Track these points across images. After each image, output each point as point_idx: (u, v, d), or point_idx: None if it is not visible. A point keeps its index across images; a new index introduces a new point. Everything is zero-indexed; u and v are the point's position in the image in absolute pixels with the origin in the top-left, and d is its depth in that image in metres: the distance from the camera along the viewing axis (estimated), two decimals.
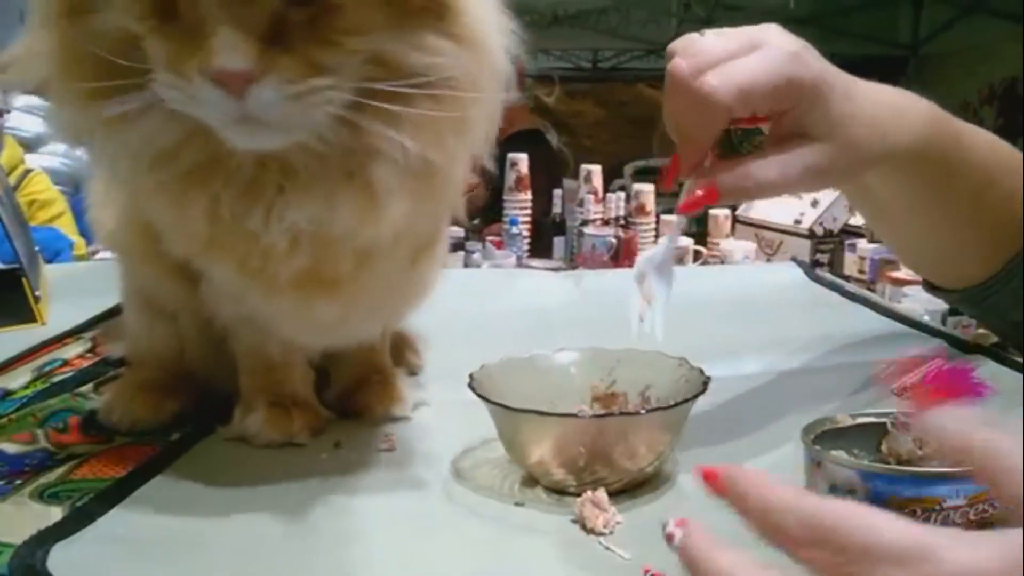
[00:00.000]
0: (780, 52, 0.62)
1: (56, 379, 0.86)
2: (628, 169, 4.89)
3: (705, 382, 0.65)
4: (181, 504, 0.62)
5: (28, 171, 2.68)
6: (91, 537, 0.56)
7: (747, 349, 0.93)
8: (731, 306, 1.10)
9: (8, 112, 2.73)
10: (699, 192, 0.62)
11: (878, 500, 0.49)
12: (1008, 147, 0.78)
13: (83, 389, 0.83)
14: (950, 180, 0.74)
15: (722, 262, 2.51)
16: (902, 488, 0.49)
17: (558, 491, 0.62)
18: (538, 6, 6.39)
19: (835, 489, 0.52)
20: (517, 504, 0.62)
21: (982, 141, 0.76)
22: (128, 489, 0.63)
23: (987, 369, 0.83)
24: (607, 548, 0.55)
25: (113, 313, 0.96)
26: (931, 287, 0.88)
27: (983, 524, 0.49)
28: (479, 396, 0.63)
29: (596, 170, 2.72)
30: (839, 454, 0.53)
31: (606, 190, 2.79)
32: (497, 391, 0.64)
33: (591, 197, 2.68)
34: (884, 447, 0.56)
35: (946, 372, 0.79)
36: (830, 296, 1.18)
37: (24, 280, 1.04)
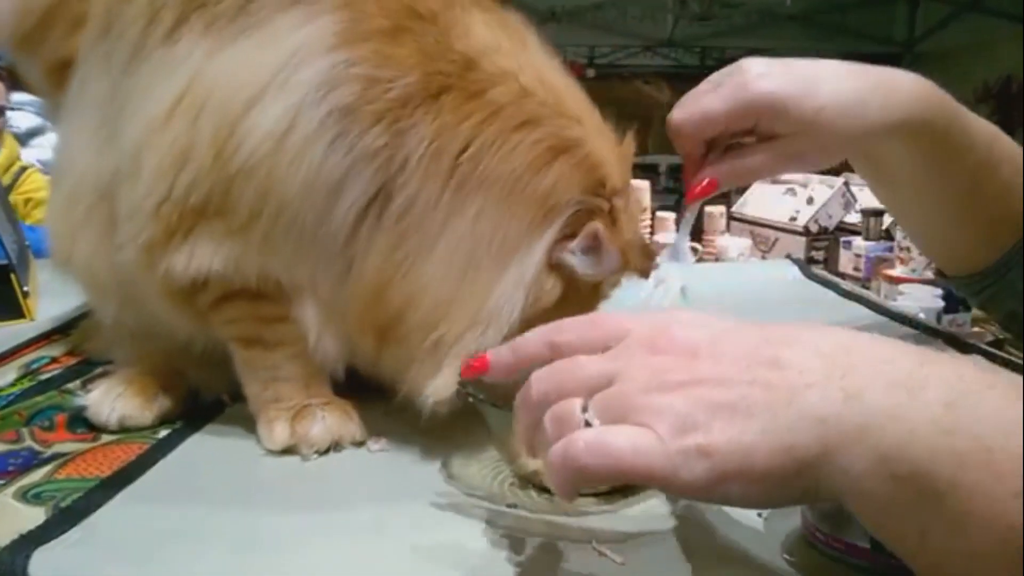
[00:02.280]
0: (732, 84, 0.76)
1: (43, 376, 0.85)
2: None
3: None
4: (167, 504, 0.61)
5: (24, 168, 2.66)
6: (75, 539, 0.55)
7: None
8: (728, 304, 1.10)
9: (9, 109, 2.71)
10: (704, 182, 0.78)
11: None
12: (1009, 139, 0.83)
13: (70, 386, 0.82)
14: (951, 155, 0.81)
15: (717, 259, 2.50)
16: None
17: (550, 491, 0.61)
18: (534, 3, 6.40)
19: None
20: (509, 506, 0.61)
21: (984, 125, 0.83)
22: (113, 489, 0.62)
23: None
24: (600, 553, 0.54)
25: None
26: (940, 273, 0.95)
27: None
28: (469, 395, 0.62)
29: None
30: None
31: None
32: (489, 389, 0.62)
33: None
34: None
35: None
36: (826, 294, 1.18)
37: (13, 276, 1.03)
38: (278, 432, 0.70)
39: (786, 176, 3.05)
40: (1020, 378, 0.40)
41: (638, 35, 6.86)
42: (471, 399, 0.61)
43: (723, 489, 0.43)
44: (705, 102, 0.77)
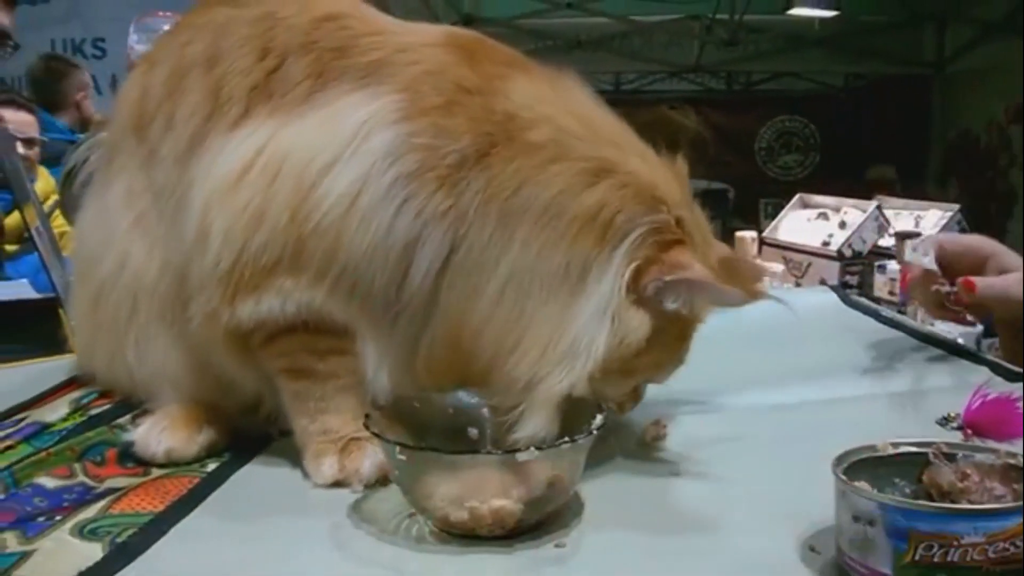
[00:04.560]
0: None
1: (94, 411, 0.86)
2: None
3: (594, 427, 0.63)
4: (220, 540, 0.62)
5: (59, 202, 2.70)
6: (132, 574, 0.56)
7: (786, 376, 0.92)
8: (764, 331, 1.09)
9: (46, 142, 2.75)
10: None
11: (896, 533, 0.50)
12: None
13: (121, 421, 0.83)
14: None
15: None
16: (919, 522, 0.49)
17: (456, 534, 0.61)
18: (561, 30, 6.44)
19: (857, 519, 0.52)
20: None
21: None
22: (168, 524, 0.63)
23: None
24: None
25: None
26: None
27: (1003, 562, 0.48)
28: (375, 434, 0.62)
29: None
30: (862, 485, 0.53)
31: None
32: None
33: None
34: (925, 477, 0.55)
35: (991, 402, 0.77)
36: (866, 321, 1.17)
37: (61, 311, 1.05)
38: (326, 467, 0.71)
39: (817, 199, 3.05)
40: None
41: (664, 61, 6.87)
42: (377, 437, 0.62)
43: None
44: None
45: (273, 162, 0.70)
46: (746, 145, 7.18)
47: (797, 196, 3.03)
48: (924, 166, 6.70)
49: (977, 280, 0.92)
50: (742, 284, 0.68)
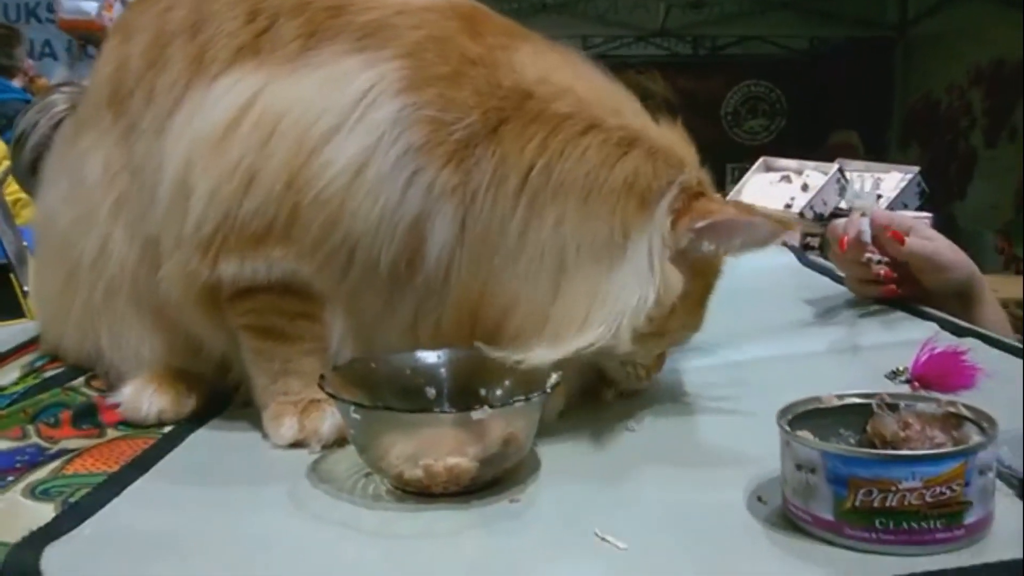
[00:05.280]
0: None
1: (47, 374, 0.85)
2: None
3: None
4: (175, 499, 0.62)
5: (11, 167, 2.65)
6: (85, 535, 0.56)
7: (741, 335, 0.93)
8: (726, 291, 1.10)
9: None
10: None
11: (837, 479, 0.51)
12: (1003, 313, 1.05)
13: (75, 383, 0.83)
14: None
15: None
16: (858, 469, 0.50)
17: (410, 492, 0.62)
18: None
19: (800, 467, 0.53)
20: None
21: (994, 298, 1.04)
22: (121, 485, 0.63)
23: (979, 352, 0.83)
24: (603, 539, 0.55)
25: None
26: None
27: (940, 506, 0.50)
28: (329, 394, 0.63)
29: None
30: (805, 435, 0.54)
31: None
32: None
33: None
34: (869, 427, 0.57)
35: (938, 356, 0.79)
36: (821, 279, 1.19)
37: (12, 276, 1.03)
38: (286, 428, 0.71)
39: (780, 163, 3.06)
40: None
41: (630, 25, 6.83)
42: (333, 398, 0.62)
43: None
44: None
45: (267, 119, 0.67)
46: (712, 110, 7.18)
47: (761, 160, 3.04)
48: (887, 130, 6.75)
49: (908, 236, 0.94)
50: (768, 215, 0.69)
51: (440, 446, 0.60)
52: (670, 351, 0.80)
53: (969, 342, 0.86)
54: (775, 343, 0.93)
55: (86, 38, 2.87)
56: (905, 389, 0.77)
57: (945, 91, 5.94)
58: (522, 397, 0.63)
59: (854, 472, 0.50)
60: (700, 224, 0.67)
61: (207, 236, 0.68)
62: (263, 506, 0.61)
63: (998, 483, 0.56)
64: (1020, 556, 0.50)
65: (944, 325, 0.93)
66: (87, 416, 0.75)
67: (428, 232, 0.68)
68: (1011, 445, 0.63)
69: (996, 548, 0.51)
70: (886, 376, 0.81)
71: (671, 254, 0.67)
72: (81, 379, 0.84)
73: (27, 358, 0.90)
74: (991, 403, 0.58)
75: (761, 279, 1.21)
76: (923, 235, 0.98)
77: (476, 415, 0.60)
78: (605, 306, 0.65)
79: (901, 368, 0.81)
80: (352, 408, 0.61)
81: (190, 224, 0.68)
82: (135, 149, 0.75)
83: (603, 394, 0.77)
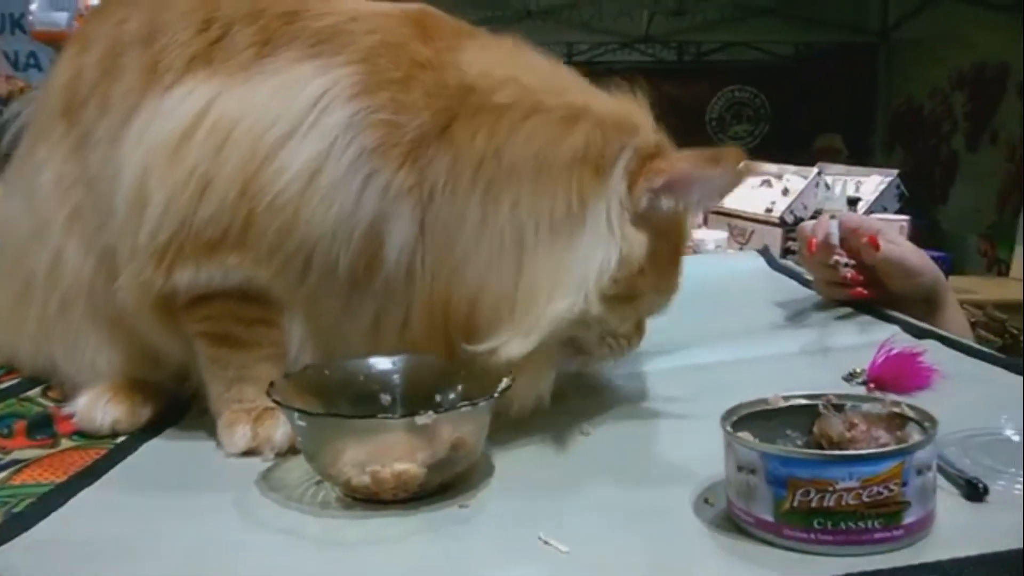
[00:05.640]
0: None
1: (3, 385, 0.85)
2: None
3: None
4: (121, 508, 0.61)
5: None
6: (26, 544, 0.56)
7: (706, 338, 0.93)
8: (695, 296, 1.10)
9: None
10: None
11: (776, 480, 0.51)
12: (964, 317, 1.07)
13: (31, 394, 0.82)
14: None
15: (694, 252, 2.50)
16: (796, 469, 0.51)
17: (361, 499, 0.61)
18: (510, 1, 6.39)
19: (741, 468, 0.53)
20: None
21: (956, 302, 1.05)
22: (68, 494, 0.62)
23: (938, 354, 0.84)
24: (545, 543, 0.55)
25: None
26: None
27: (877, 505, 0.50)
28: (276, 402, 0.62)
29: None
30: (746, 436, 0.54)
31: None
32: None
33: None
34: (815, 428, 0.57)
35: (894, 357, 0.79)
36: (789, 283, 1.19)
37: None
38: (239, 436, 0.70)
39: (761, 167, 3.07)
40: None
41: (615, 32, 6.85)
42: (279, 405, 0.62)
43: None
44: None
45: (221, 127, 0.67)
46: (697, 116, 7.20)
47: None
48: (871, 134, 6.78)
49: (880, 241, 0.94)
50: (724, 164, 0.68)
51: (388, 452, 0.60)
52: (650, 320, 0.79)
53: (927, 344, 0.86)
54: (740, 346, 0.93)
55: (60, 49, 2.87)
56: (861, 391, 0.77)
57: (928, 95, 5.97)
58: (468, 402, 0.62)
59: (793, 473, 0.50)
60: (657, 183, 0.67)
61: (162, 244, 0.67)
62: (209, 515, 0.60)
63: (944, 483, 0.57)
64: (960, 555, 0.50)
65: (906, 327, 0.94)
66: (42, 426, 0.75)
67: (386, 234, 0.68)
68: (960, 446, 0.63)
69: (936, 548, 0.51)
70: (843, 378, 0.81)
71: (632, 217, 0.67)
72: (37, 390, 0.83)
73: None
74: (945, 404, 0.58)
75: (731, 283, 1.22)
76: (889, 239, 0.98)
77: (421, 420, 0.59)
78: (569, 274, 0.66)
79: (859, 370, 0.81)
80: (297, 415, 0.61)
81: (145, 233, 0.68)
82: (90, 159, 0.75)
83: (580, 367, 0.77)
